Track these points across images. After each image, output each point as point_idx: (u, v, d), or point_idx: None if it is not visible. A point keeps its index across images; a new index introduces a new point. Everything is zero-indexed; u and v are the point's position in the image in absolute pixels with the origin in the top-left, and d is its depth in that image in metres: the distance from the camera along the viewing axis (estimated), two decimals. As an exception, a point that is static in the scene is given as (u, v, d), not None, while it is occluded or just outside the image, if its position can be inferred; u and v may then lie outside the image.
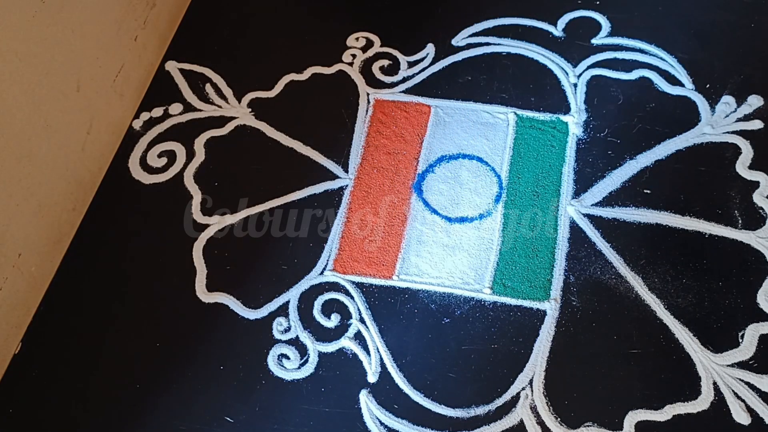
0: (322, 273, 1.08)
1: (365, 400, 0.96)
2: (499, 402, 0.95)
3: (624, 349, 0.97)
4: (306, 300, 1.05)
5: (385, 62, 1.32)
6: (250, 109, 1.28)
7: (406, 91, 1.28)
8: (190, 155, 1.22)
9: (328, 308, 1.04)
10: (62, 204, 1.12)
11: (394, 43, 1.35)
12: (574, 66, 1.28)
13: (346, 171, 1.19)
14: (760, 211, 1.08)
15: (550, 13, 1.35)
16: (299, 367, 0.99)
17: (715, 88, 1.22)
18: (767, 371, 0.94)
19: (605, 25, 1.33)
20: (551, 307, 1.01)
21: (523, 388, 0.95)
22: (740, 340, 0.96)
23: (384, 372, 0.98)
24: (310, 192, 1.17)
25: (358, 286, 1.06)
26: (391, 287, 1.06)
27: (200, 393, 0.98)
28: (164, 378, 0.99)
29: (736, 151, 1.14)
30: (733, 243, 1.05)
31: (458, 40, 1.33)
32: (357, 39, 1.36)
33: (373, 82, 1.30)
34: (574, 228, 1.09)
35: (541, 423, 0.92)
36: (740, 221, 1.07)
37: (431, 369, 0.98)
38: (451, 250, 1.08)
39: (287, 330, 1.03)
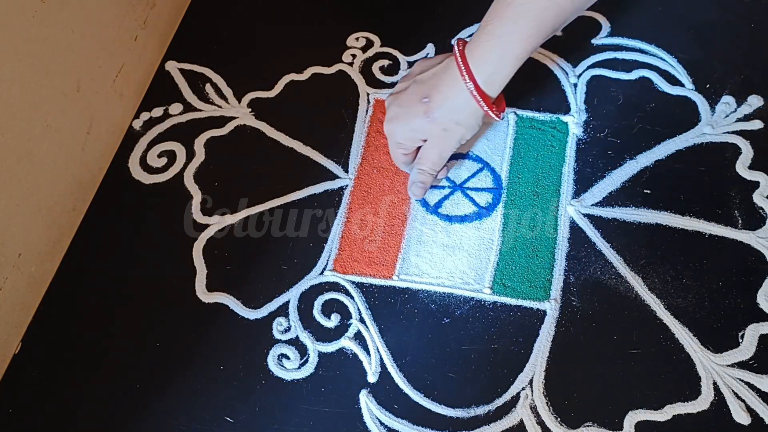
0: (322, 273, 1.08)
1: (365, 400, 0.96)
2: (499, 402, 0.95)
3: (624, 349, 0.97)
4: (306, 300, 1.05)
5: (385, 62, 1.32)
6: (250, 109, 1.28)
7: (406, 91, 1.28)
8: (190, 155, 1.22)
9: (328, 308, 1.04)
10: (62, 204, 1.12)
11: (394, 43, 1.35)
12: (574, 66, 1.28)
13: (346, 171, 1.19)
14: (760, 211, 1.08)
15: (550, 13, 1.34)
16: (299, 367, 0.99)
17: (715, 88, 1.22)
18: (767, 371, 0.94)
19: (605, 25, 1.33)
20: (551, 307, 1.01)
21: (523, 388, 0.95)
22: (740, 340, 0.96)
23: (384, 372, 0.98)
24: (310, 192, 1.17)
25: (358, 286, 1.06)
26: (391, 287, 1.06)
27: (200, 393, 0.98)
28: (164, 378, 0.99)
29: (736, 151, 1.14)
30: (733, 243, 1.05)
31: (458, 40, 1.33)
32: (357, 39, 1.36)
33: (373, 82, 1.30)
34: (574, 228, 1.09)
35: (541, 423, 0.92)
36: (740, 221, 1.07)
37: (431, 369, 0.98)
38: (451, 250, 1.08)
39: (287, 330, 1.03)
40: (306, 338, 1.02)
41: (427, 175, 1.06)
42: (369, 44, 1.35)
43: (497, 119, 1.01)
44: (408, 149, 1.06)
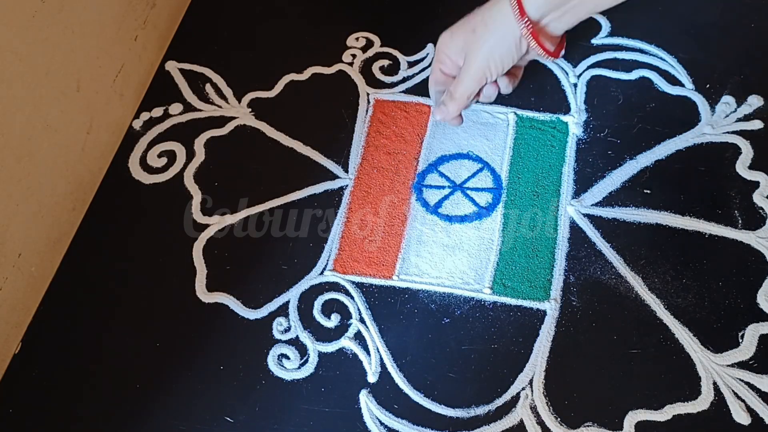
0: (322, 273, 1.08)
1: (365, 400, 0.96)
2: (499, 402, 0.95)
3: (624, 349, 0.97)
4: (306, 300, 1.05)
5: (385, 62, 1.32)
6: (250, 109, 1.28)
7: (406, 91, 1.28)
8: (190, 155, 1.22)
9: (328, 308, 1.04)
10: (62, 204, 1.12)
11: (394, 43, 1.35)
12: (574, 66, 1.28)
13: (346, 171, 1.19)
14: (760, 211, 1.08)
15: (550, 13, 1.34)
16: (299, 367, 0.99)
17: (715, 88, 1.22)
18: (767, 371, 0.94)
19: (605, 25, 1.33)
20: (551, 307, 1.01)
21: (523, 388, 0.95)
22: (740, 340, 0.96)
23: (384, 372, 0.98)
24: (310, 192, 1.17)
25: (358, 286, 1.06)
26: (391, 287, 1.06)
27: (200, 393, 0.98)
28: (164, 378, 0.99)
29: (736, 151, 1.14)
30: (733, 243, 1.05)
31: (458, 40, 1.33)
32: (357, 39, 1.36)
33: (373, 82, 1.30)
34: (574, 228, 1.09)
35: (541, 423, 0.92)
36: (740, 221, 1.07)
37: (431, 369, 0.98)
38: (451, 250, 1.08)
39: (287, 330, 1.03)
40: (306, 338, 1.02)
41: (455, 98, 1.08)
42: (369, 44, 1.35)
43: (533, 42, 0.98)
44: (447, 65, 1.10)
